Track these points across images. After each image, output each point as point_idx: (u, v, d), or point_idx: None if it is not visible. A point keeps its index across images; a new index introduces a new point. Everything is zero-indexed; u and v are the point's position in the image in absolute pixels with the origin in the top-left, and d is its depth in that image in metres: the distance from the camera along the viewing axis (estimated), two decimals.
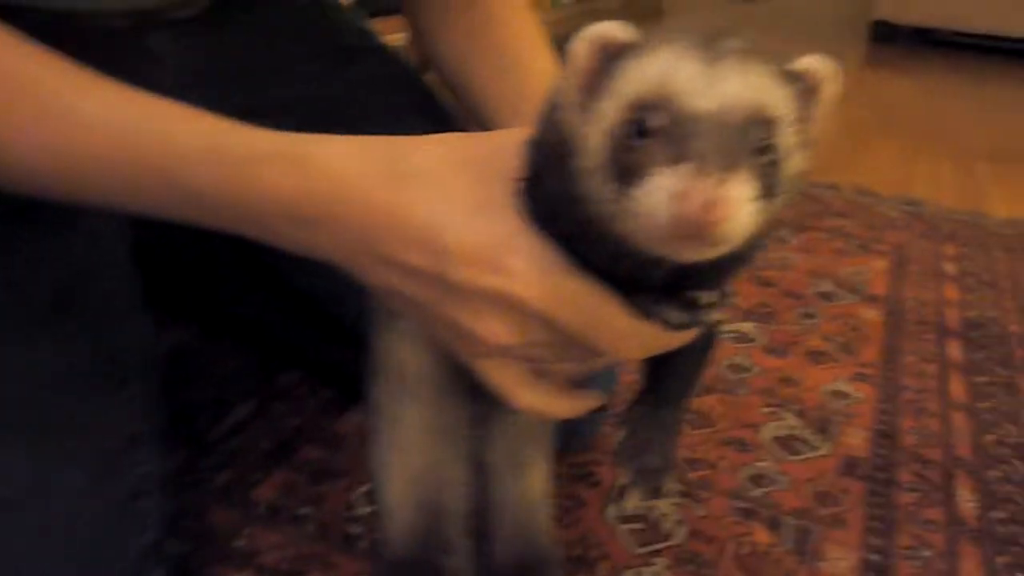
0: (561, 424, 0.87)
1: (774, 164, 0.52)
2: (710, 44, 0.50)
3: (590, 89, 0.53)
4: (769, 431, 1.32)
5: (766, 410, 1.37)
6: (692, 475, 1.20)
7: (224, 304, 1.36)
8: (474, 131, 1.01)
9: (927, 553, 1.10)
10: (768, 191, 0.50)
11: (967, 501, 1.20)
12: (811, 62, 0.55)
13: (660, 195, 0.46)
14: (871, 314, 1.74)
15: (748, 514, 1.13)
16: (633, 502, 1.11)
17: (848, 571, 1.05)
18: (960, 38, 5.19)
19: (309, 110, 1.04)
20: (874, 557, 1.08)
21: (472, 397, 0.77)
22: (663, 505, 1.13)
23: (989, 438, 1.36)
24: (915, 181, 2.71)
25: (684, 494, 1.16)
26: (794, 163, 0.54)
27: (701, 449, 1.26)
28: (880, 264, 1.99)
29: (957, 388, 1.50)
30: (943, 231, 2.24)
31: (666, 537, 1.08)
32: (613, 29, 0.52)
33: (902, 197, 2.47)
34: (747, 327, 1.64)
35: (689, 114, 0.48)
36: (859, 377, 1.50)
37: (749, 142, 0.49)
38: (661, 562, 1.04)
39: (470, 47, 1.00)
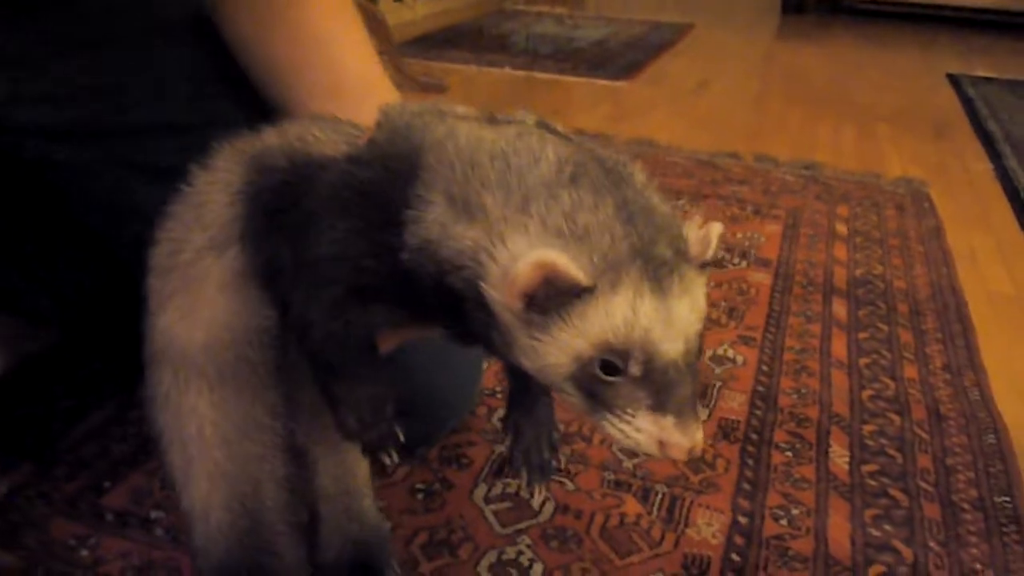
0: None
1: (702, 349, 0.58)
2: (658, 274, 0.53)
3: (532, 305, 0.54)
4: None
5: None
6: (564, 450, 1.18)
7: (79, 305, 1.30)
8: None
9: (795, 511, 1.09)
10: None
11: (840, 457, 1.21)
12: (708, 241, 0.58)
13: (646, 436, 0.54)
14: (760, 278, 1.74)
15: (619, 486, 1.12)
16: (541, 496, 1.09)
17: (714, 535, 1.04)
18: (866, 5, 5.28)
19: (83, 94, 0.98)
20: (742, 519, 1.07)
21: (276, 380, 0.73)
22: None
23: (866, 393, 1.37)
24: (818, 146, 2.74)
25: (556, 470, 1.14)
26: None
27: (576, 423, 1.24)
28: (773, 228, 2.00)
29: (839, 346, 1.50)
30: (837, 193, 2.26)
31: (533, 515, 1.06)
32: (564, 264, 0.52)
33: (800, 162, 2.49)
34: None
35: (662, 363, 0.53)
36: (743, 341, 1.50)
37: (698, 355, 0.56)
38: (524, 540, 1.02)
39: (270, 31, 0.95)
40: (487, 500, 1.08)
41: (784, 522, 1.07)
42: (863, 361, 1.46)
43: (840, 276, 1.77)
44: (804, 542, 1.04)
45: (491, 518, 1.05)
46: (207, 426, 0.71)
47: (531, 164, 0.56)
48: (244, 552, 0.73)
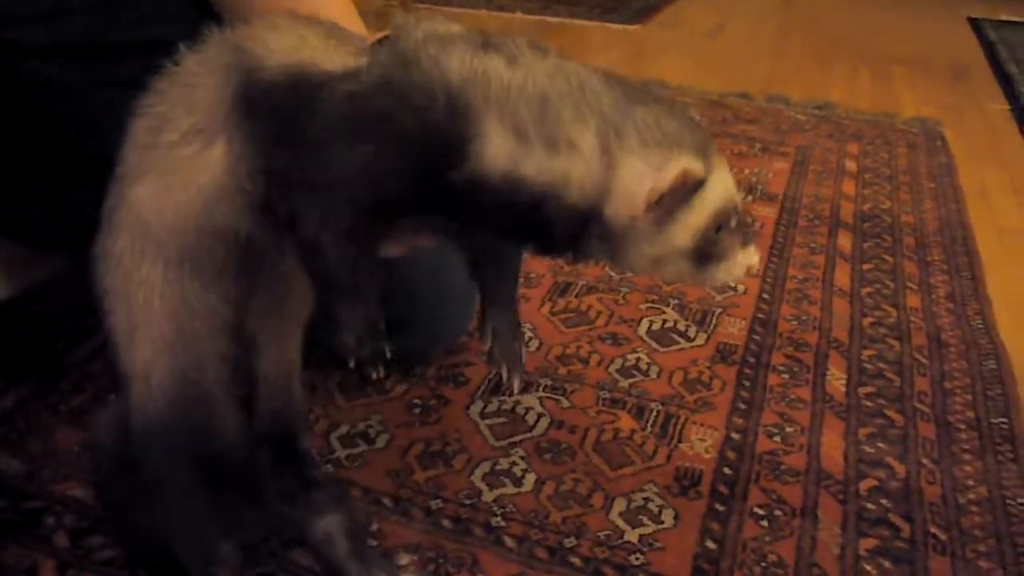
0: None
1: None
2: (716, 158, 0.66)
3: (663, 203, 0.64)
4: (645, 325, 1.31)
5: (646, 306, 1.37)
6: (562, 371, 1.19)
7: (83, 230, 1.31)
8: None
9: (789, 429, 1.10)
10: None
11: (837, 379, 1.21)
12: None
13: (740, 267, 0.68)
14: (766, 212, 1.73)
15: (614, 403, 1.13)
16: (519, 386, 1.11)
17: (707, 450, 1.05)
18: None
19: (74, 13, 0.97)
20: (735, 435, 1.08)
21: (237, 272, 0.73)
22: (527, 400, 1.12)
23: (867, 320, 1.37)
24: (832, 89, 2.69)
25: (552, 389, 1.15)
26: None
27: (573, 346, 1.24)
28: (781, 165, 1.98)
29: (842, 276, 1.50)
30: (849, 131, 2.23)
31: (527, 429, 1.07)
32: (694, 167, 0.64)
33: (812, 101, 2.45)
34: None
35: (741, 210, 0.68)
36: None
37: None
38: (518, 452, 1.03)
39: None
40: (482, 416, 1.09)
41: (777, 439, 1.08)
42: (866, 290, 1.46)
43: (847, 210, 1.76)
44: (797, 457, 1.05)
45: (486, 432, 1.06)
46: (156, 299, 0.71)
47: (593, 96, 0.65)
48: (184, 410, 0.73)
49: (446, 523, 0.92)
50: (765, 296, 1.42)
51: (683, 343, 1.27)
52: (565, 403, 1.12)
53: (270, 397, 0.84)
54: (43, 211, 1.25)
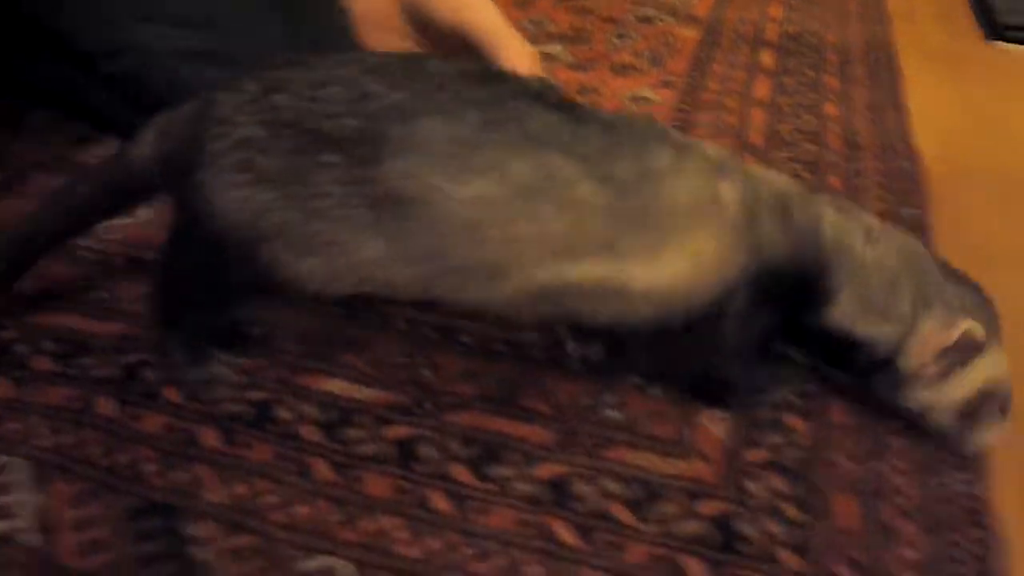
0: None
1: None
2: (998, 342, 0.77)
3: (947, 357, 0.76)
4: None
5: None
6: None
7: None
8: None
9: None
10: None
11: None
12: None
13: (993, 435, 0.77)
14: (688, 33, 1.67)
15: None
16: None
17: None
18: None
19: None
20: None
21: None
22: None
23: (785, 127, 1.33)
24: None
25: None
26: None
27: None
28: None
29: (762, 89, 1.46)
30: None
31: None
32: (980, 332, 0.74)
33: None
34: (554, 48, 1.55)
35: (1006, 396, 0.77)
36: (663, 84, 1.44)
37: None
38: None
39: None
40: None
41: None
42: (785, 101, 1.42)
43: (772, 32, 1.70)
44: None
45: None
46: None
47: (923, 276, 0.77)
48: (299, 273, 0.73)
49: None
50: (682, 106, 1.37)
51: None
52: None
53: None
54: None
